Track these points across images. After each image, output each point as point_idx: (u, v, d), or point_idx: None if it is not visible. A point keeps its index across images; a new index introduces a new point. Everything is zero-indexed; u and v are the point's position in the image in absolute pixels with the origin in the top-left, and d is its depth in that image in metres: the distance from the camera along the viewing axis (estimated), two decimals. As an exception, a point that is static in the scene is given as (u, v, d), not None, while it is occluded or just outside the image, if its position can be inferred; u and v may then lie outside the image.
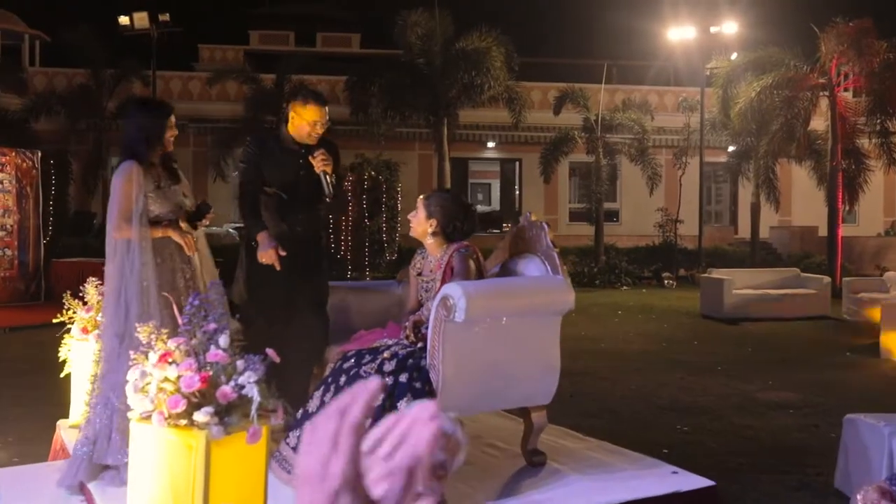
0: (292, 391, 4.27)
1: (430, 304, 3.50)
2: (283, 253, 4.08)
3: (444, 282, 3.60)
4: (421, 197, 3.88)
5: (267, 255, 4.07)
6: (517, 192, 24.64)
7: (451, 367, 3.33)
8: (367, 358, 3.58)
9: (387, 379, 3.40)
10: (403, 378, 3.37)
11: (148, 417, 2.53)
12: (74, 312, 4.26)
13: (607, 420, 6.10)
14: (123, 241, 3.62)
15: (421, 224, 3.81)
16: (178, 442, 2.52)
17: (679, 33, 18.79)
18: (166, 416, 2.49)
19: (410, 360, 3.48)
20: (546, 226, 3.83)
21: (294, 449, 3.55)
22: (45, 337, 5.31)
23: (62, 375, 4.42)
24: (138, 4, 17.35)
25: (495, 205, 27.12)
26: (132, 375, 2.54)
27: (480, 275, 3.73)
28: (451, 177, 23.19)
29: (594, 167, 18.60)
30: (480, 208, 27.71)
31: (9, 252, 12.57)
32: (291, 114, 4.25)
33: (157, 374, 2.53)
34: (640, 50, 23.35)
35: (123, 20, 16.57)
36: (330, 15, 29.44)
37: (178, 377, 2.51)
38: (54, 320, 4.37)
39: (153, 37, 16.59)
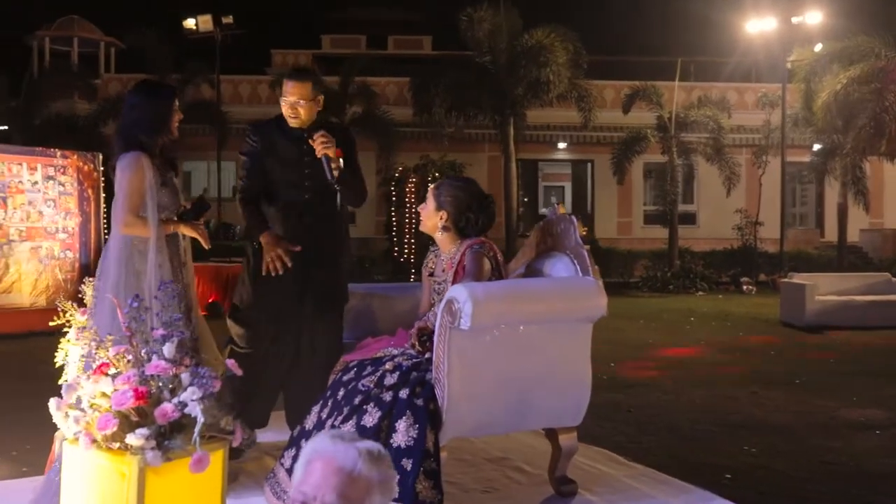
0: (299, 406, 3.90)
1: (437, 309, 3.04)
2: (296, 248, 3.69)
3: (455, 283, 3.14)
4: (431, 186, 3.42)
5: (272, 257, 3.68)
6: (590, 195, 23.92)
7: (457, 381, 2.86)
8: (369, 370, 3.15)
9: (384, 394, 2.96)
10: (404, 394, 2.92)
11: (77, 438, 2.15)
12: (71, 316, 3.95)
13: (665, 438, 5.52)
14: (128, 238, 3.29)
15: (430, 217, 3.35)
16: (110, 468, 2.13)
17: (758, 25, 17.86)
18: (95, 437, 2.10)
19: (414, 373, 3.03)
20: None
21: (289, 471, 3.14)
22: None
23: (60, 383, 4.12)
24: (216, 11, 17.47)
25: (567, 208, 26.44)
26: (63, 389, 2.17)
27: (499, 275, 3.26)
28: (521, 178, 22.75)
29: (668, 167, 17.81)
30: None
31: (70, 254, 12.59)
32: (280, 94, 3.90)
33: (90, 388, 2.14)
34: (717, 45, 22.37)
35: (189, 24, 16.63)
36: (402, 18, 29.35)
37: (112, 392, 2.12)
38: (50, 323, 4.07)
39: (217, 39, 16.59)
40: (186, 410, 2.09)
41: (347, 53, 22.50)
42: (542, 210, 25.99)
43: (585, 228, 22.88)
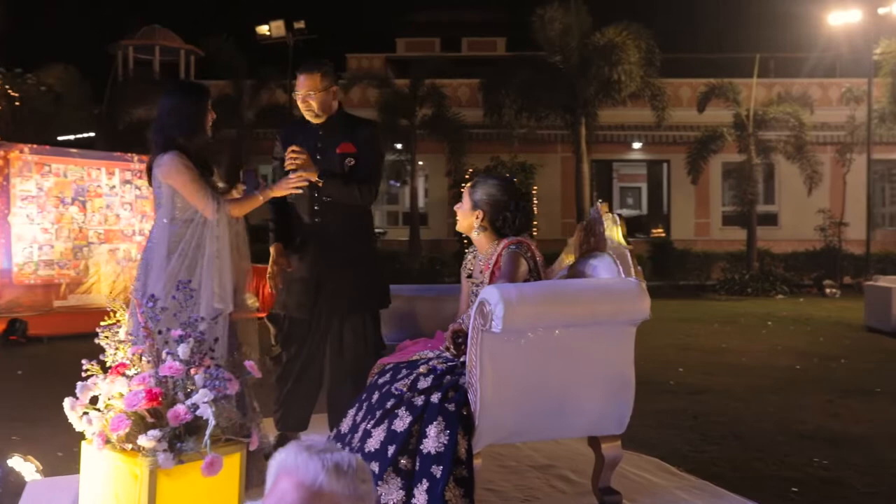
0: (335, 408, 3.86)
1: (471, 311, 2.94)
2: (288, 268, 3.73)
3: (491, 283, 3.04)
4: (467, 185, 3.32)
5: (271, 270, 3.74)
6: (666, 196, 23.40)
7: (490, 386, 2.76)
8: (404, 373, 3.07)
9: (416, 399, 2.88)
10: (435, 399, 2.83)
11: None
12: (121, 316, 4.00)
13: (730, 448, 5.28)
14: (174, 229, 3.34)
15: (466, 217, 3.25)
16: (125, 468, 2.10)
17: (842, 18, 17.16)
18: (108, 438, 2.08)
19: (448, 377, 2.94)
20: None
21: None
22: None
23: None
24: (291, 18, 17.74)
25: (643, 209, 25.94)
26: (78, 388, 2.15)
27: (538, 277, 3.14)
28: (595, 179, 22.40)
29: (746, 167, 17.26)
30: (627, 212, 26.62)
31: (147, 257, 12.95)
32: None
33: (106, 388, 2.12)
34: (798, 39, 21.59)
35: (262, 30, 16.91)
36: (476, 19, 29.28)
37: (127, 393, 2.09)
38: (101, 323, 4.13)
39: (289, 44, 16.82)
40: (198, 412, 2.04)
41: (418, 56, 22.57)
42: (618, 211, 25.52)
43: (661, 230, 22.41)
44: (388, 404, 2.91)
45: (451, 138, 17.96)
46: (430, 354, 3.13)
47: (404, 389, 2.93)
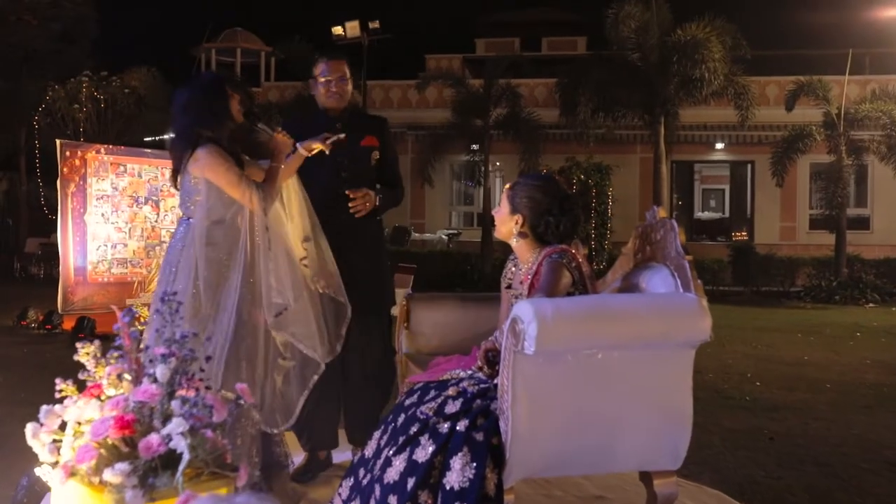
0: (355, 421, 3.61)
1: (504, 327, 2.62)
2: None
3: (528, 296, 2.72)
4: (506, 186, 3.00)
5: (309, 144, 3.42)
6: (749, 198, 22.50)
7: (523, 414, 2.44)
8: (432, 394, 2.78)
9: (441, 425, 2.58)
10: (461, 426, 2.52)
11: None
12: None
13: (810, 474, 4.81)
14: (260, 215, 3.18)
15: (504, 222, 2.93)
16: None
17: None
18: (74, 471, 1.85)
19: (478, 402, 2.63)
20: (676, 224, 2.80)
21: (346, 502, 2.82)
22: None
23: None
24: (375, 17, 17.69)
25: (726, 212, 25.05)
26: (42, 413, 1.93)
27: (584, 290, 2.80)
28: (675, 181, 21.71)
29: (836, 167, 16.38)
30: (709, 215, 25.74)
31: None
32: (311, 86, 3.68)
33: (75, 412, 1.89)
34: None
35: (337, 30, 16.88)
36: (556, 19, 28.93)
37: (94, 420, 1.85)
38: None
39: (364, 44, 16.73)
40: (171, 444, 1.79)
41: (495, 56, 22.31)
42: (698, 214, 24.75)
43: (743, 234, 21.56)
44: (412, 430, 2.62)
45: (525, 138, 17.61)
46: (463, 374, 2.83)
47: (430, 413, 2.64)
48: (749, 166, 22.13)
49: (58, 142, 10.49)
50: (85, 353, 2.06)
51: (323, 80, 3.57)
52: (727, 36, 15.87)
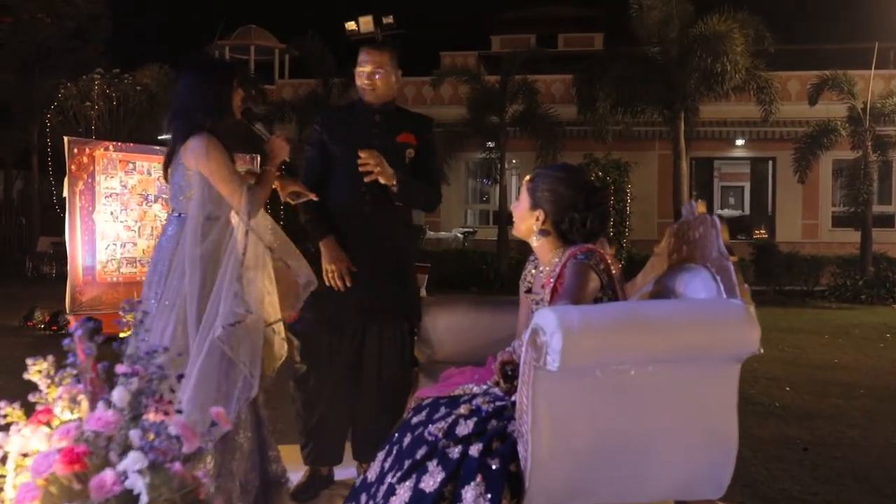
0: (364, 437, 3.34)
1: (524, 337, 2.31)
2: (353, 269, 3.22)
3: (551, 303, 2.41)
4: (526, 178, 2.68)
5: (333, 267, 3.20)
6: (771, 195, 22.06)
7: (545, 437, 2.14)
8: (442, 411, 2.47)
9: (452, 449, 2.28)
10: (475, 451, 2.22)
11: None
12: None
13: (849, 490, 4.48)
14: (201, 220, 2.96)
15: (524, 218, 2.62)
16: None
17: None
18: (15, 512, 1.56)
19: (493, 422, 2.32)
20: (718, 221, 2.48)
21: (351, 531, 2.53)
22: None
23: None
24: (386, 13, 17.40)
25: (746, 209, 24.61)
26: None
27: (613, 295, 2.48)
28: (695, 178, 21.29)
29: (860, 163, 15.94)
30: (729, 213, 25.30)
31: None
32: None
33: (18, 443, 1.61)
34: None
35: (350, 26, 16.57)
36: (573, 15, 28.62)
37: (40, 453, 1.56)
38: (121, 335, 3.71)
39: (377, 40, 16.44)
40: (128, 484, 1.50)
41: (511, 53, 22.04)
42: (718, 211, 24.33)
43: (763, 232, 21.14)
44: (419, 453, 2.33)
45: (542, 135, 17.28)
46: (476, 390, 2.52)
47: (439, 435, 2.34)
48: (770, 163, 21.72)
49: (66, 139, 10.27)
50: (36, 370, 1.77)
51: (358, 69, 3.36)
52: (749, 29, 15.47)
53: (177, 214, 3.12)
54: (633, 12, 16.12)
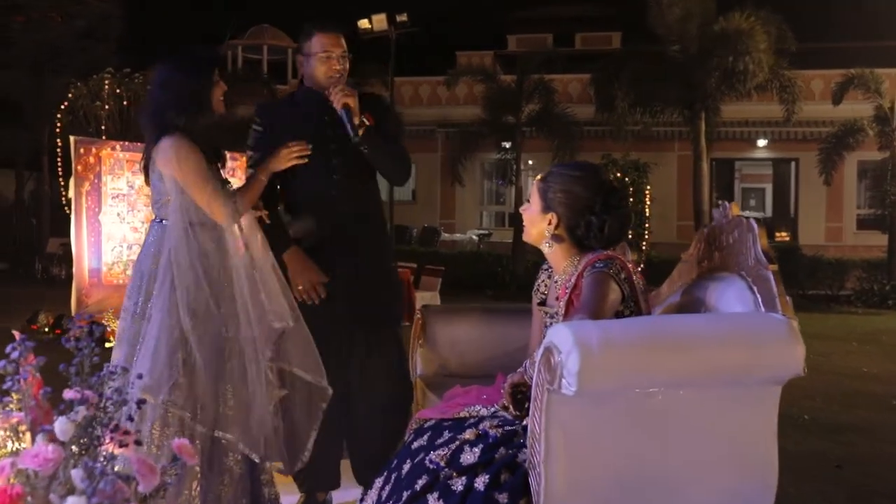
0: (362, 456, 3.10)
1: (536, 356, 2.05)
2: (325, 279, 2.99)
3: (566, 317, 2.15)
4: (536, 178, 2.40)
5: (300, 281, 2.98)
6: (793, 197, 21.68)
7: (560, 470, 1.87)
8: (446, 436, 2.21)
9: (455, 481, 2.02)
10: (480, 484, 1.96)
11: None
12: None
13: (889, 511, 4.21)
14: (186, 226, 2.75)
15: (535, 222, 2.34)
16: None
17: None
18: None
19: (502, 450, 2.06)
20: (755, 224, 2.21)
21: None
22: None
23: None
24: (401, 12, 17.21)
25: (768, 212, 24.22)
26: None
27: (636, 309, 2.21)
28: (716, 180, 20.95)
29: (888, 164, 15.58)
30: (749, 214, 24.80)
31: (239, 255, 12.61)
32: (299, 61, 3.12)
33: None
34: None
35: (363, 24, 16.35)
36: (590, 14, 28.39)
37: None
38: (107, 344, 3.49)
39: (391, 38, 16.22)
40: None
41: (527, 52, 21.81)
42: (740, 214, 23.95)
43: (786, 234, 20.77)
44: (419, 483, 2.07)
45: (559, 135, 17.02)
46: (484, 412, 2.26)
47: (442, 463, 2.08)
48: (793, 164, 21.37)
49: (71, 138, 10.09)
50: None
51: (324, 54, 3.03)
52: (772, 26, 15.14)
53: (158, 220, 2.90)
54: (652, 10, 15.84)
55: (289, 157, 2.92)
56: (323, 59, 3.02)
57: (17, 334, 1.55)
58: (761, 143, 21.05)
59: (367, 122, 2.98)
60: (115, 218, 10.49)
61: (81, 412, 1.44)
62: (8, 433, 1.48)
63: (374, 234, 3.17)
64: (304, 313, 2.94)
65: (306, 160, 2.94)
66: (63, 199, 14.94)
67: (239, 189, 2.86)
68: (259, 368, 2.84)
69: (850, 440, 5.54)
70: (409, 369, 3.16)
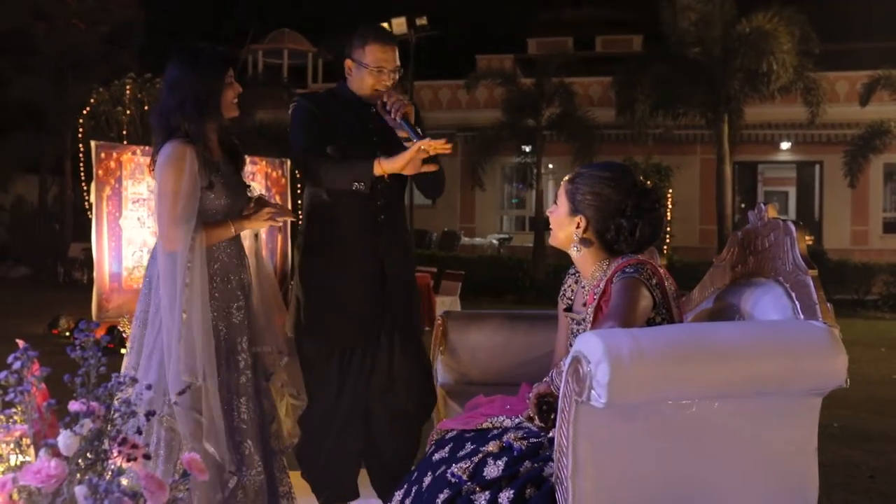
0: (384, 468, 3.01)
1: (564, 365, 1.95)
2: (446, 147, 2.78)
3: (595, 324, 2.06)
4: (564, 179, 2.31)
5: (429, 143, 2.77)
6: (818, 200, 21.41)
7: (589, 486, 1.78)
8: (468, 448, 2.13)
9: (478, 496, 1.93)
10: (505, 498, 1.87)
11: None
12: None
13: (925, 525, 4.07)
14: (172, 256, 2.59)
15: (562, 225, 2.25)
16: None
17: None
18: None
19: (527, 463, 1.97)
20: (793, 228, 2.10)
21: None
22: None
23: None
24: (421, 14, 17.16)
25: (791, 215, 23.95)
26: None
27: (667, 316, 2.11)
28: (738, 183, 20.73)
29: (916, 166, 15.36)
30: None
31: (258, 260, 12.59)
32: (348, 65, 2.99)
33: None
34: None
35: (384, 27, 16.36)
36: (611, 17, 28.26)
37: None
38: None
39: (411, 41, 16.16)
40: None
41: (548, 54, 21.70)
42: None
43: (811, 238, 20.51)
44: (441, 498, 1.99)
45: (579, 138, 16.90)
46: (508, 423, 2.17)
47: (464, 476, 2.00)
48: (817, 167, 21.09)
49: (92, 143, 10.10)
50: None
51: (375, 68, 2.92)
52: (795, 27, 14.94)
53: None
54: (664, 11, 15.70)
55: (267, 217, 2.78)
56: (374, 73, 2.93)
57: (20, 343, 1.48)
58: (785, 145, 20.79)
59: (421, 131, 2.91)
60: (136, 222, 10.48)
61: (87, 425, 1.36)
62: (11, 447, 1.42)
63: (400, 239, 3.10)
64: (328, 322, 2.88)
65: (279, 224, 2.87)
66: (85, 203, 15.03)
67: (208, 224, 2.68)
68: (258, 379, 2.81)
69: (882, 449, 5.40)
70: (433, 377, 3.07)
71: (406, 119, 2.87)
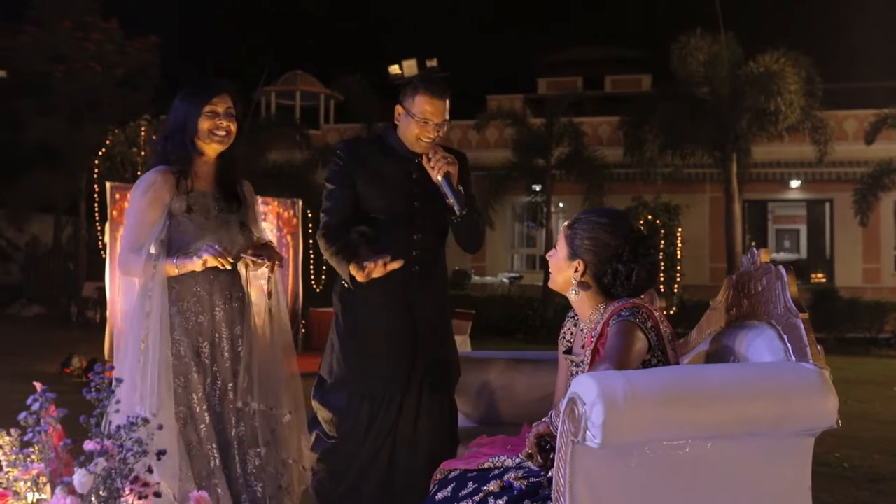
0: None
1: (561, 406, 2.01)
2: (394, 264, 2.78)
3: (592, 366, 2.12)
4: (564, 225, 2.39)
5: (369, 268, 2.79)
6: (828, 238, 21.38)
7: (586, 526, 1.83)
8: (469, 488, 2.18)
9: (478, 537, 1.98)
10: (505, 538, 1.93)
11: None
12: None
13: (934, 568, 4.05)
14: (134, 284, 2.63)
15: (561, 269, 2.32)
16: None
17: None
18: None
19: (527, 502, 2.02)
20: (785, 272, 2.17)
21: None
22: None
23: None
24: (432, 57, 17.41)
25: (803, 253, 23.89)
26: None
27: (663, 358, 2.17)
28: (748, 221, 20.75)
29: (925, 204, 15.37)
30: (784, 256, 24.59)
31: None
32: (398, 111, 3.02)
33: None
34: None
35: (394, 69, 16.62)
36: (620, 56, 28.48)
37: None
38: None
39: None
40: None
41: (557, 94, 21.89)
42: (773, 255, 23.66)
43: (823, 276, 20.44)
44: (443, 536, 2.04)
45: (589, 178, 17.01)
46: (509, 462, 2.22)
47: (467, 517, 2.05)
48: (827, 205, 21.09)
49: (107, 184, 10.27)
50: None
51: (422, 118, 2.94)
52: (802, 68, 15.09)
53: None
54: (674, 53, 15.88)
55: (226, 258, 2.73)
56: (420, 123, 2.94)
57: (38, 386, 1.55)
58: (794, 183, 20.83)
59: (462, 191, 2.90)
60: (151, 262, 10.60)
61: (101, 464, 1.43)
62: (29, 485, 1.48)
63: (436, 291, 3.07)
64: (367, 357, 2.92)
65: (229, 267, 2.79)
66: (100, 243, 15.21)
67: (180, 254, 2.69)
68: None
69: (893, 490, 5.38)
70: (456, 432, 3.04)
71: (448, 178, 2.87)
